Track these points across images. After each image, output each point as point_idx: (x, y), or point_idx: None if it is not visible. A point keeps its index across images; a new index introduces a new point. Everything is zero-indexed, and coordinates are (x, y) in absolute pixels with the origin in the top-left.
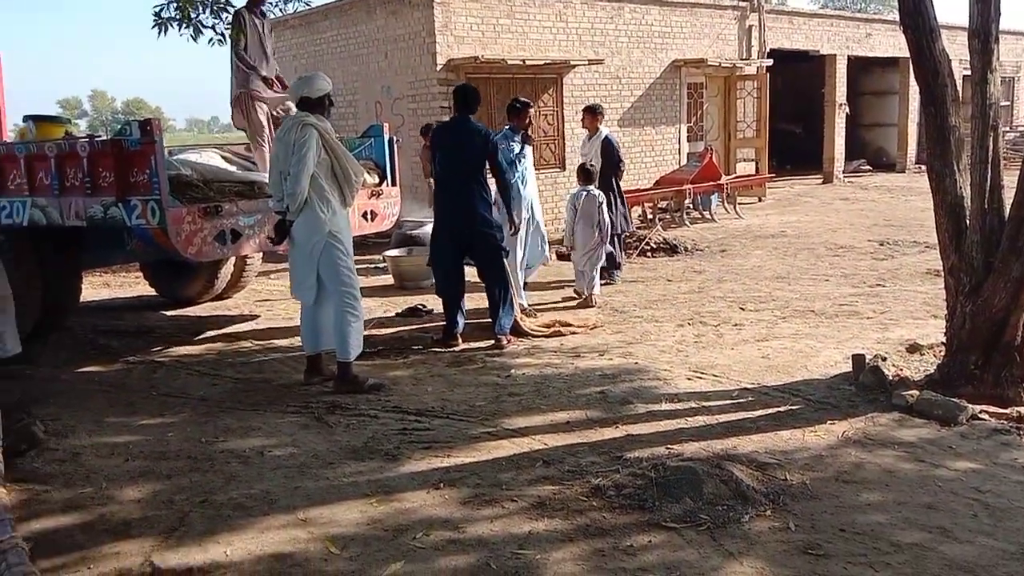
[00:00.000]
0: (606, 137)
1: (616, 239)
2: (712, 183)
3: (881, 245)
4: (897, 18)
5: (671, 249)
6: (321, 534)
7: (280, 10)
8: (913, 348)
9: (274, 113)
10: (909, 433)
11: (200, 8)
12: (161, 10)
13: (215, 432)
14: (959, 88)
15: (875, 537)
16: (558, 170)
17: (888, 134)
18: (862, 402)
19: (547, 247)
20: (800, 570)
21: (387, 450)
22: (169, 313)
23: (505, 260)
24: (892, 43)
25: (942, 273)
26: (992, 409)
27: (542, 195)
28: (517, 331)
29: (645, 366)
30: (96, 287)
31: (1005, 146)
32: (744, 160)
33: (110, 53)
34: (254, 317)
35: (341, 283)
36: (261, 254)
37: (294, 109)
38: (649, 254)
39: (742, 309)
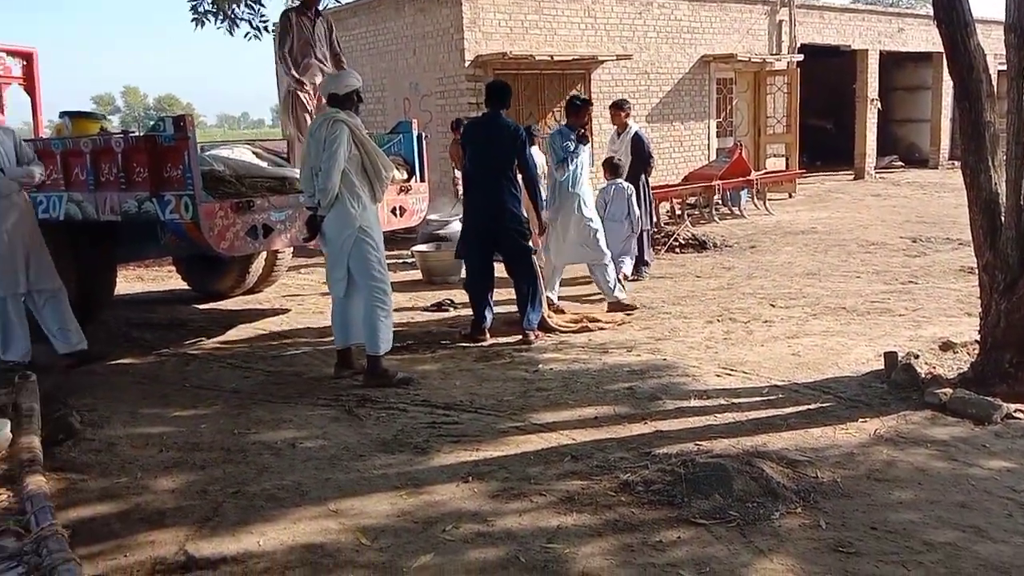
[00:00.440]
0: (636, 133)
1: (643, 235)
2: (741, 179)
3: (913, 242)
4: (930, 12)
5: (700, 245)
6: (352, 525)
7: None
8: (946, 346)
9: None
10: (942, 431)
11: (236, 2)
12: (198, 4)
13: (247, 424)
14: (994, 83)
15: (907, 536)
16: None
17: (920, 130)
18: (894, 400)
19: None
20: (831, 568)
21: (416, 443)
22: (201, 307)
23: (534, 256)
24: (925, 37)
25: (976, 270)
26: None
27: None
28: (544, 327)
29: (674, 362)
30: (130, 281)
31: None
32: (774, 156)
33: (141, 50)
34: (285, 311)
35: (371, 277)
36: (291, 249)
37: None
38: (677, 250)
39: (772, 306)
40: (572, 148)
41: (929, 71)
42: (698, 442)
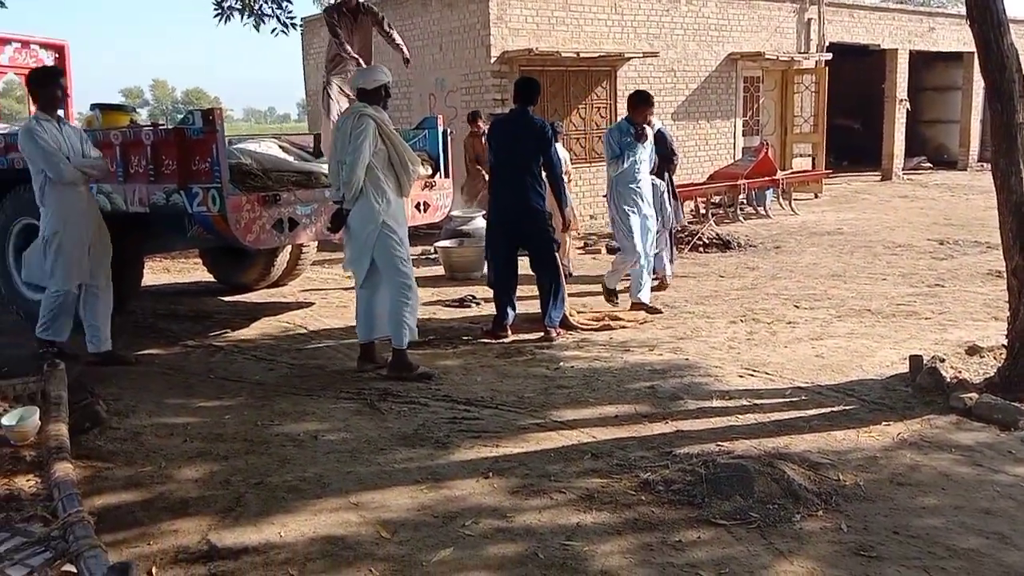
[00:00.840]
0: (659, 130)
1: (668, 234)
2: (767, 178)
3: (941, 244)
4: (962, 12)
5: (724, 245)
6: (373, 518)
7: None
8: (972, 350)
9: None
10: (967, 437)
11: None
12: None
13: (271, 416)
14: None
15: (930, 541)
16: None
17: (950, 131)
18: (918, 404)
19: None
20: (852, 571)
21: (437, 438)
22: (226, 299)
23: (557, 254)
24: (956, 37)
25: (1004, 274)
26: None
27: (592, 188)
28: (566, 324)
29: (696, 362)
30: (156, 272)
31: None
32: (800, 155)
33: (170, 43)
34: (309, 304)
35: (396, 272)
36: (316, 243)
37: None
38: (701, 249)
39: (796, 307)
40: (629, 143)
41: (960, 71)
42: (719, 443)
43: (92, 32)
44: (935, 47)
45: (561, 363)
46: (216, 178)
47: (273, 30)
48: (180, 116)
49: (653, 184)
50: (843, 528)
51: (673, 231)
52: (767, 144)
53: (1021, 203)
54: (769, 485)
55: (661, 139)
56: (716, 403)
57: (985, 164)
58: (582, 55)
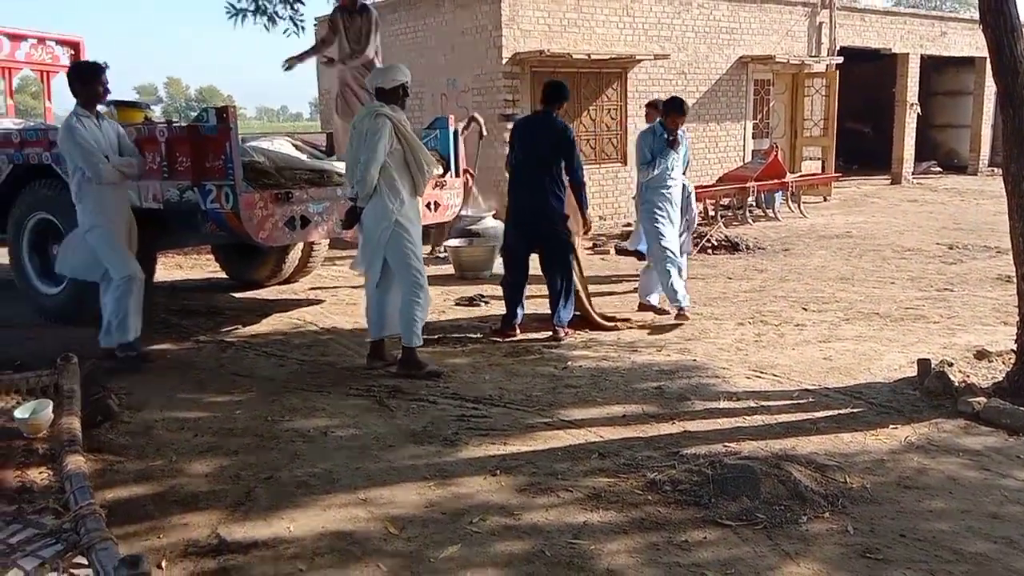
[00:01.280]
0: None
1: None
2: (777, 181)
3: (950, 249)
4: (974, 16)
5: (733, 247)
6: (381, 514)
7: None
8: (981, 355)
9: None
10: (975, 441)
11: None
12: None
13: (281, 411)
14: None
15: (937, 545)
16: (620, 165)
17: (960, 136)
18: (926, 407)
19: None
20: (858, 574)
21: (445, 435)
22: (238, 295)
23: (572, 256)
24: (968, 42)
25: (1014, 279)
26: None
27: (602, 189)
28: (592, 322)
29: (703, 363)
30: (169, 268)
31: None
32: (810, 159)
33: (183, 42)
34: (319, 302)
35: (408, 270)
36: (328, 241)
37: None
38: (710, 251)
39: (804, 309)
40: (662, 149)
41: (971, 76)
42: (726, 443)
43: (106, 30)
44: (946, 52)
45: (569, 362)
46: (229, 175)
47: (285, 30)
48: (194, 114)
49: (682, 186)
50: (849, 530)
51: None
52: (777, 147)
53: None
54: (776, 486)
55: None
56: (723, 404)
57: (995, 169)
58: (593, 57)
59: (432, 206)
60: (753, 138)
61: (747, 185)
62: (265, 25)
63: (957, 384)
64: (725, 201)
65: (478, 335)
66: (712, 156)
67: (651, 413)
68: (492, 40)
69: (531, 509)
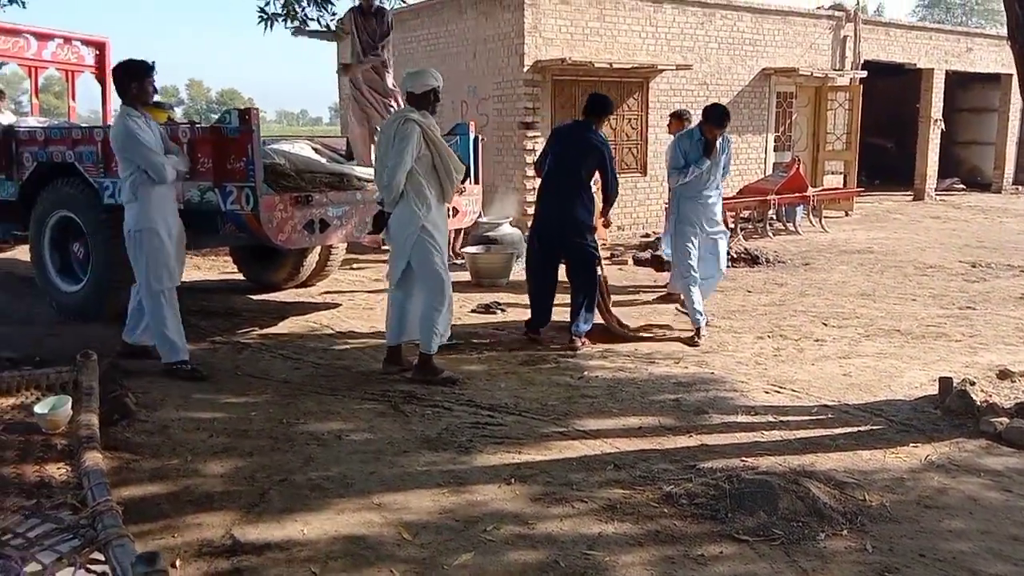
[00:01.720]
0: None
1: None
2: (798, 195)
3: (973, 267)
4: (1000, 33)
5: (752, 260)
6: (395, 519)
7: None
8: (1004, 374)
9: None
10: (996, 461)
11: (305, 2)
12: (267, 4)
13: (296, 414)
14: None
15: (956, 565)
16: (639, 175)
17: (984, 153)
18: (947, 426)
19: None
20: None
21: (460, 442)
22: (255, 297)
23: (598, 267)
24: (994, 58)
25: None
26: None
27: (621, 199)
28: (612, 331)
29: (721, 376)
30: (187, 269)
31: None
32: (832, 173)
33: (205, 44)
34: (336, 305)
35: (431, 277)
36: (345, 244)
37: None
38: (730, 264)
39: (824, 324)
40: (696, 156)
41: (996, 93)
42: (744, 458)
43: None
44: (972, 68)
45: (585, 372)
46: (250, 177)
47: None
48: (215, 116)
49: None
50: (868, 549)
51: None
52: (798, 160)
53: None
54: (794, 502)
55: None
56: (741, 418)
57: (1020, 187)
58: (615, 66)
59: (450, 212)
60: (775, 151)
61: (768, 198)
62: (296, 29)
63: (979, 403)
64: (745, 214)
65: (494, 342)
66: (733, 168)
67: (668, 425)
68: (514, 48)
69: (545, 519)
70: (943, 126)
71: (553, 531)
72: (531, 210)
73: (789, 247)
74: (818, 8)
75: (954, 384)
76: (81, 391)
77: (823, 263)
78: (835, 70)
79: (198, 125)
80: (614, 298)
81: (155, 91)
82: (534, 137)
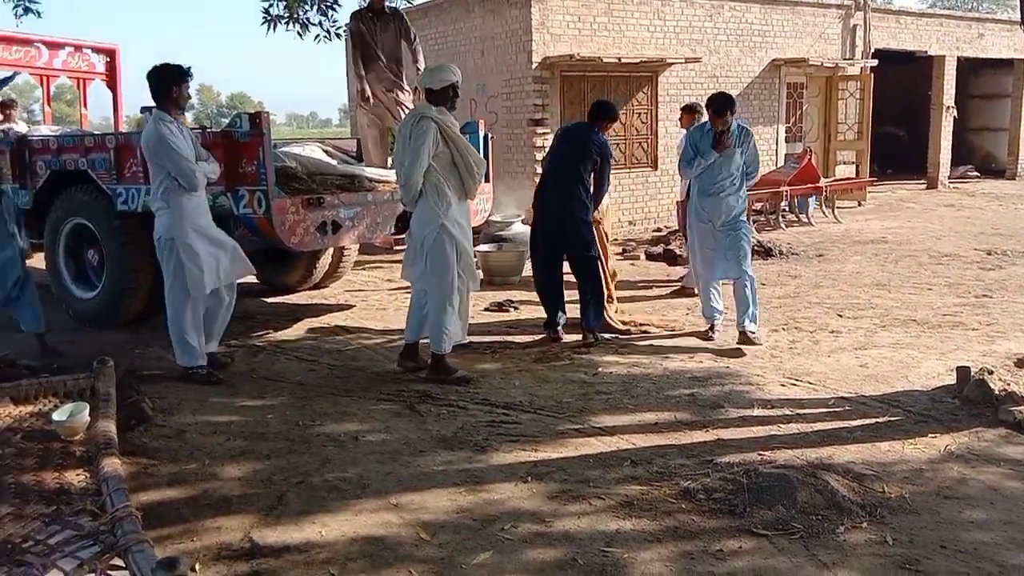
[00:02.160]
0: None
1: None
2: (810, 185)
3: (988, 254)
4: (1012, 17)
5: (765, 252)
6: (412, 520)
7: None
8: (1022, 362)
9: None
10: (1016, 450)
11: (308, 5)
12: (270, 7)
13: (312, 416)
14: None
15: (978, 556)
16: (650, 169)
17: (998, 139)
18: (966, 416)
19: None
20: None
21: (476, 441)
22: (269, 300)
23: (599, 262)
24: (1006, 44)
25: None
26: None
27: (632, 194)
28: (606, 327)
29: (737, 370)
30: None
31: None
32: (844, 163)
33: (215, 48)
34: (349, 307)
35: (443, 276)
36: (358, 246)
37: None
38: None
39: (839, 316)
40: (705, 149)
41: (1009, 78)
42: (761, 452)
43: (137, 36)
44: (984, 54)
45: (600, 368)
46: (262, 181)
47: (316, 36)
48: (225, 120)
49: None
50: (888, 541)
51: None
52: (810, 151)
53: None
54: (812, 495)
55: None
56: (758, 412)
57: None
58: (623, 60)
59: None
60: (786, 142)
61: (780, 189)
62: (298, 32)
63: (997, 392)
64: (758, 206)
65: (508, 341)
66: None
67: (684, 420)
68: (522, 44)
69: (563, 516)
70: (955, 113)
71: (571, 528)
72: None
73: (802, 238)
74: None
75: (972, 373)
76: (98, 398)
77: (837, 254)
78: (845, 59)
79: (209, 130)
80: (627, 293)
81: (189, 97)
82: (543, 134)
